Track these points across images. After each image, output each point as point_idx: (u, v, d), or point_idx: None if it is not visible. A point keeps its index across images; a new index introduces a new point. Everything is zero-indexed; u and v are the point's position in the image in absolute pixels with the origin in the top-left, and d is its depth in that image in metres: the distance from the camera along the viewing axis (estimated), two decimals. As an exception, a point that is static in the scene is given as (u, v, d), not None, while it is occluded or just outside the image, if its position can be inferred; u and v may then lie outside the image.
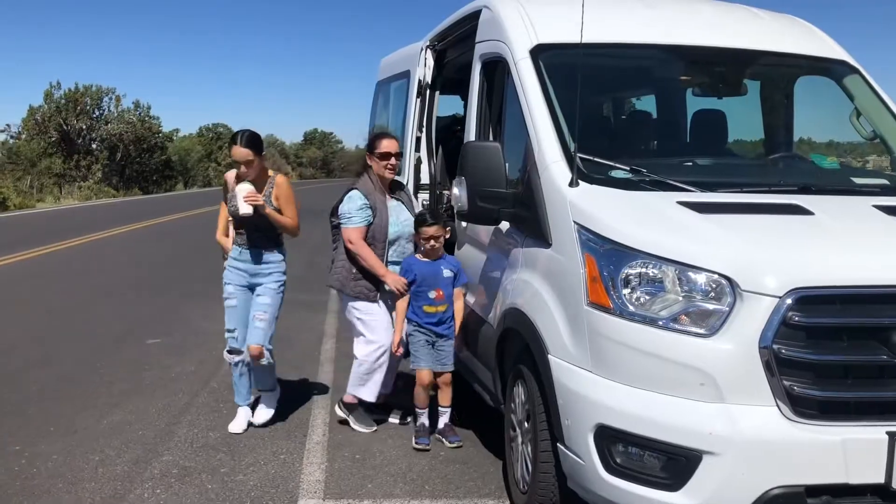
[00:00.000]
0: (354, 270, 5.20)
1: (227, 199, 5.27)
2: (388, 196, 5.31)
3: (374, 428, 5.37)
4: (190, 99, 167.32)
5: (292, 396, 6.06)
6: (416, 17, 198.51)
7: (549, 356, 3.58)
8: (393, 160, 5.28)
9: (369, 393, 5.32)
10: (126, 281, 11.84)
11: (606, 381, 3.27)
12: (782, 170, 4.68)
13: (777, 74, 5.26)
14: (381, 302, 5.25)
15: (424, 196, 6.62)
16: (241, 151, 5.02)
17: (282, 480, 4.54)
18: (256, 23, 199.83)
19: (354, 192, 5.21)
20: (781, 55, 4.90)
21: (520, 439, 4.11)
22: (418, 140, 6.64)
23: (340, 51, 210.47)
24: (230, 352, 5.47)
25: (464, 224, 5.04)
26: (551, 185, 3.81)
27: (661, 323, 3.18)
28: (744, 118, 5.36)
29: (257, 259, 5.30)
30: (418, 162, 6.61)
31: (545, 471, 3.70)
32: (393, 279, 5.08)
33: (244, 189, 5.01)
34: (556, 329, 3.58)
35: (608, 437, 3.24)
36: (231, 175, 5.24)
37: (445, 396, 5.14)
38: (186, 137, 68.90)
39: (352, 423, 5.38)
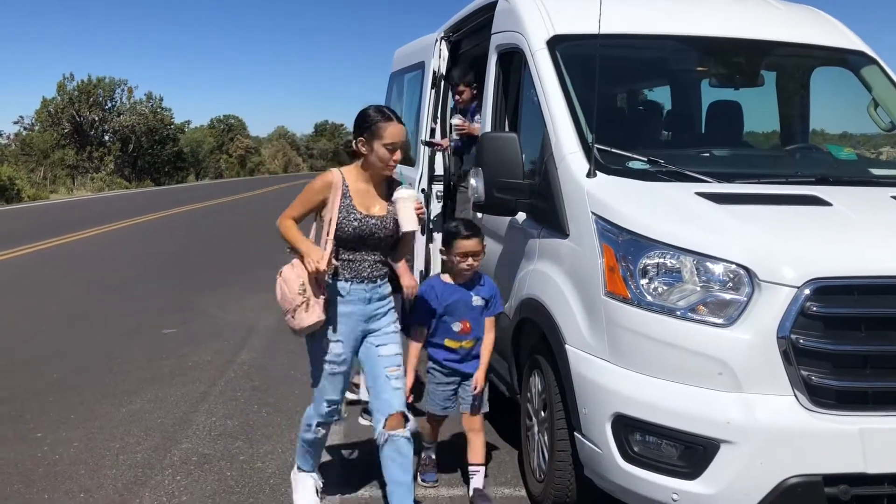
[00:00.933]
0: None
1: (340, 210, 3.68)
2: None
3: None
4: (201, 91, 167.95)
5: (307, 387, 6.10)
6: (426, 9, 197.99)
7: (567, 346, 3.60)
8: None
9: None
10: (140, 271, 11.93)
11: (624, 370, 3.30)
12: (799, 161, 4.68)
13: (793, 65, 5.25)
14: None
15: (438, 188, 6.65)
16: (399, 130, 3.63)
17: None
18: (267, 14, 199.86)
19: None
20: (798, 46, 4.89)
21: (536, 429, 4.14)
22: (433, 131, 6.67)
23: (351, 42, 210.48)
24: (322, 424, 3.98)
25: (479, 215, 5.06)
26: (568, 176, 3.83)
27: (678, 313, 3.19)
28: (760, 109, 5.35)
29: (374, 295, 3.79)
30: (433, 153, 6.63)
31: (562, 459, 3.73)
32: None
33: (410, 198, 3.66)
34: (574, 319, 3.60)
35: (626, 426, 3.26)
36: (336, 177, 3.74)
37: (476, 451, 4.22)
38: (198, 129, 69.18)
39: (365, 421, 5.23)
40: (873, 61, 4.88)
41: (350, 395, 5.42)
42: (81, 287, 10.53)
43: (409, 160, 7.15)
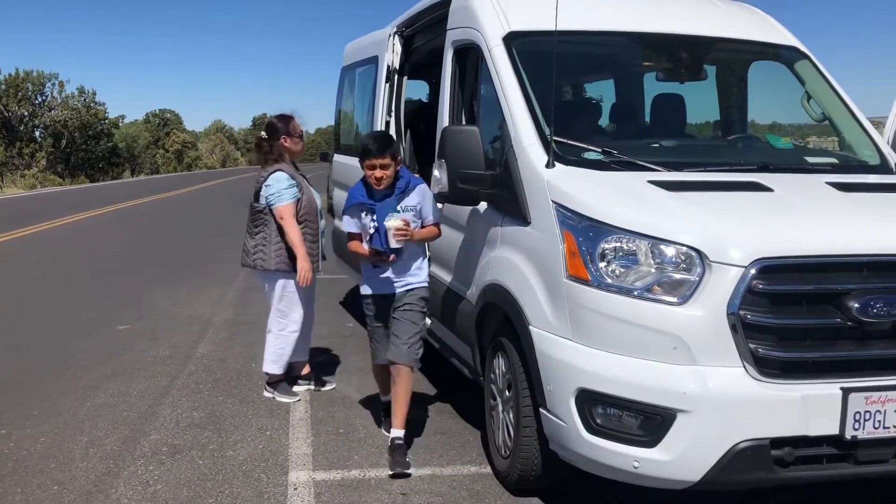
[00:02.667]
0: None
1: None
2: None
3: (298, 398, 5.69)
4: (135, 85, 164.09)
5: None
6: (366, 3, 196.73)
7: (531, 327, 3.80)
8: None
9: (279, 367, 5.70)
10: (88, 268, 11.78)
11: (586, 347, 3.51)
12: (741, 150, 4.98)
13: (732, 60, 5.55)
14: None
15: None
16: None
17: (271, 454, 4.71)
18: (201, 6, 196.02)
19: (279, 173, 5.45)
20: (737, 41, 5.18)
21: (500, 408, 4.34)
22: (387, 124, 6.80)
23: (288, 34, 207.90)
24: None
25: (439, 205, 5.22)
26: (529, 167, 4.03)
27: (636, 293, 3.42)
28: (701, 101, 5.65)
29: None
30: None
31: (528, 435, 3.94)
32: (306, 266, 5.41)
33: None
34: (537, 301, 3.81)
35: (589, 400, 3.47)
36: None
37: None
38: (133, 124, 67.66)
39: (277, 398, 5.67)
40: (805, 56, 5.19)
41: (266, 394, 5.77)
42: (27, 285, 10.36)
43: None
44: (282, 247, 5.48)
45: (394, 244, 4.38)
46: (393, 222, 4.35)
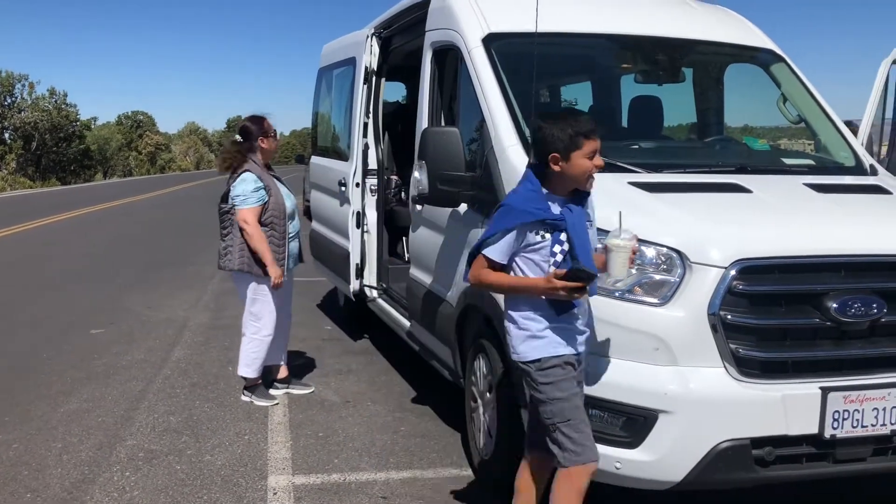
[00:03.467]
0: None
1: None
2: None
3: (276, 401, 5.66)
4: (108, 86, 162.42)
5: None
6: (341, 4, 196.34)
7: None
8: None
9: (255, 371, 5.67)
10: (62, 272, 11.62)
11: (568, 349, 3.50)
12: (720, 151, 5.02)
13: (709, 62, 5.60)
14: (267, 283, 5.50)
15: (372, 181, 6.77)
16: None
17: (249, 459, 4.66)
18: (174, 6, 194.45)
19: (247, 174, 5.42)
20: (714, 44, 5.21)
21: (481, 410, 4.32)
22: (366, 126, 6.77)
23: (263, 36, 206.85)
24: None
25: (419, 207, 5.21)
26: (509, 168, 4.02)
27: (616, 294, 3.42)
28: (679, 103, 5.68)
29: None
30: (366, 147, 6.75)
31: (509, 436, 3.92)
32: (276, 272, 5.37)
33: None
34: (518, 303, 3.79)
35: (570, 402, 3.46)
36: None
37: None
38: (105, 126, 66.93)
39: (255, 401, 5.64)
40: (781, 59, 5.24)
41: (244, 398, 5.73)
42: (2, 288, 10.18)
43: (342, 154, 7.25)
44: (244, 249, 5.45)
45: (623, 272, 3.11)
46: (625, 242, 3.07)
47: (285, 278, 5.53)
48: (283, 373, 5.95)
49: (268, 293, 5.53)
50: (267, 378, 5.83)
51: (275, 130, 5.69)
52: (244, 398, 5.71)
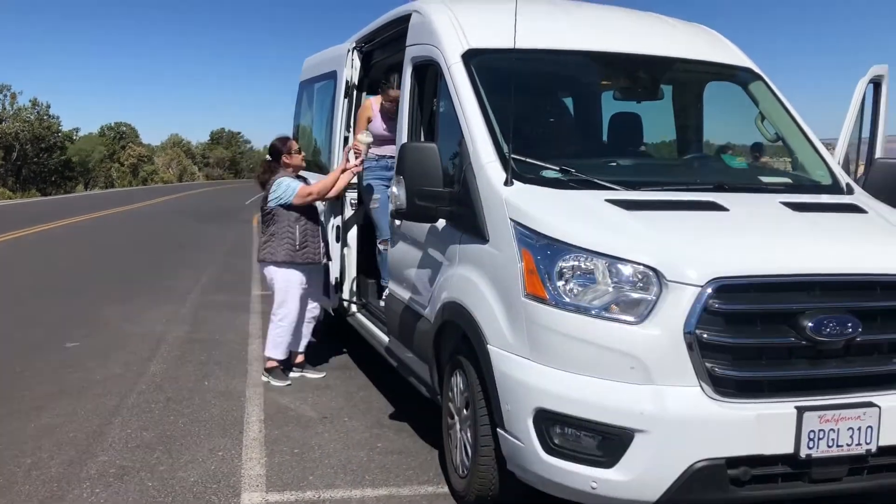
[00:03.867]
0: (298, 242, 6.19)
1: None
2: None
3: (289, 382, 6.40)
4: (90, 97, 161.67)
5: (224, 395, 6.10)
6: (323, 19, 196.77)
7: (489, 346, 3.77)
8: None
9: (281, 353, 6.40)
10: (38, 284, 11.48)
11: (544, 367, 3.49)
12: (697, 169, 5.03)
13: (689, 80, 5.61)
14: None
15: (353, 194, 6.75)
16: None
17: (223, 476, 4.60)
18: (158, 18, 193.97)
19: (280, 179, 6.23)
20: (692, 62, 5.23)
21: (458, 427, 4.29)
22: (346, 140, 6.76)
23: (247, 49, 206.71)
24: None
25: (397, 222, 5.18)
26: (487, 185, 4.01)
27: (593, 312, 3.41)
28: (658, 121, 5.71)
29: None
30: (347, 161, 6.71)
31: (485, 454, 3.89)
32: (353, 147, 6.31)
33: None
34: (495, 320, 3.77)
35: (546, 420, 3.45)
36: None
37: None
38: (87, 137, 66.50)
39: (272, 382, 6.36)
40: (759, 77, 5.27)
41: (263, 378, 6.46)
42: (-27, 301, 10.05)
43: (322, 168, 7.22)
44: (284, 242, 6.17)
45: None
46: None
47: (314, 271, 6.44)
48: (299, 359, 6.66)
49: (292, 283, 6.25)
50: (287, 362, 6.54)
51: (298, 147, 6.48)
52: (262, 378, 6.43)
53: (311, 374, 6.63)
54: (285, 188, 6.16)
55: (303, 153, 6.52)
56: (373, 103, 6.46)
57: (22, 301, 10.12)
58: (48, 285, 11.41)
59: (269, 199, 6.25)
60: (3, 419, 5.53)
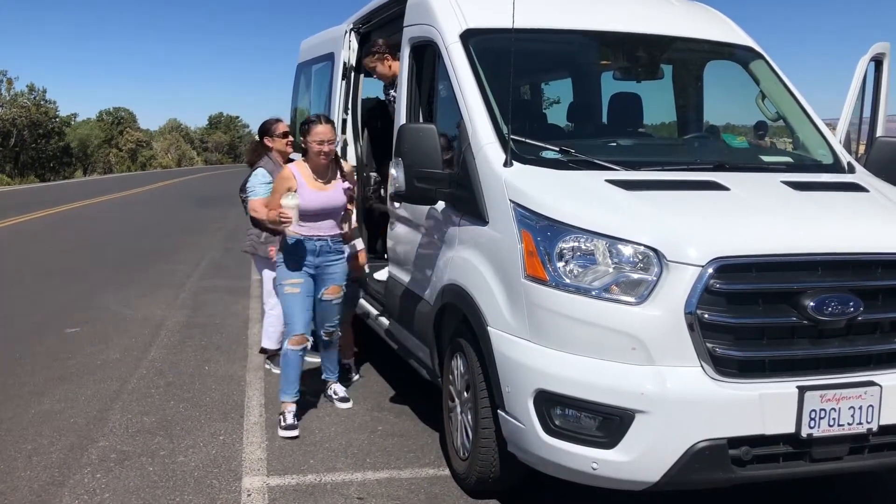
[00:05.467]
0: (263, 236, 5.97)
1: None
2: None
3: None
4: (88, 82, 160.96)
5: (225, 379, 6.10)
6: (319, 2, 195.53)
7: (489, 328, 3.76)
8: (290, 137, 6.17)
9: (274, 342, 6.21)
10: (38, 269, 11.46)
11: (544, 348, 3.47)
12: (698, 149, 5.00)
13: (689, 59, 5.57)
14: None
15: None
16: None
17: (224, 460, 4.60)
18: (157, 2, 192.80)
19: (259, 170, 5.90)
20: (693, 41, 5.19)
21: (459, 409, 4.28)
22: (344, 122, 6.72)
23: (245, 32, 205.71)
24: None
25: (396, 204, 5.16)
26: (486, 166, 3.98)
27: (594, 293, 3.39)
28: (658, 100, 5.66)
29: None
30: (345, 144, 6.69)
31: (486, 437, 3.89)
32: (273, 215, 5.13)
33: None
34: (495, 302, 3.76)
35: (547, 401, 3.44)
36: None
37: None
38: (85, 122, 66.30)
39: (273, 370, 6.16)
40: (760, 56, 5.23)
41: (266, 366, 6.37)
42: (-28, 288, 10.04)
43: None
44: (251, 233, 6.08)
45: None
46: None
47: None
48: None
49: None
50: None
51: (285, 132, 6.14)
52: (266, 366, 6.34)
53: (311, 358, 5.85)
54: (253, 187, 5.80)
55: (290, 138, 6.16)
56: (296, 172, 5.01)
57: (21, 287, 10.10)
58: (47, 271, 11.39)
59: (244, 188, 5.98)
60: (2, 405, 5.53)
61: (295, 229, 4.88)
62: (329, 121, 5.11)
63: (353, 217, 5.51)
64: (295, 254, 5.03)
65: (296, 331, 5.05)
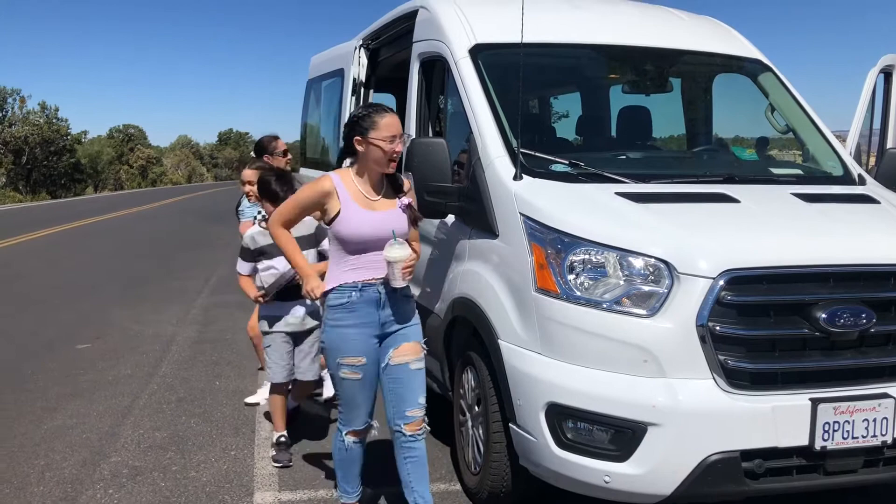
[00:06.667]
0: None
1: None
2: None
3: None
4: (98, 100, 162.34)
5: (236, 394, 6.10)
6: (331, 18, 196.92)
7: (500, 341, 3.76)
8: (289, 156, 6.04)
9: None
10: (49, 286, 11.52)
11: (556, 361, 3.47)
12: (707, 161, 5.00)
13: (697, 72, 5.59)
14: None
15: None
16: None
17: (235, 475, 4.60)
18: (166, 20, 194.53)
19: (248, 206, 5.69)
20: (701, 54, 5.20)
21: (470, 423, 4.27)
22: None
23: (255, 49, 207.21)
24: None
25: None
26: (496, 179, 3.99)
27: (605, 305, 3.39)
28: (666, 113, 5.68)
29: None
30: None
31: (497, 451, 3.88)
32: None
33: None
34: (506, 315, 3.76)
35: (559, 414, 3.43)
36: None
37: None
38: (96, 139, 66.77)
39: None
40: (768, 68, 5.24)
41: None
42: (-16, 304, 10.10)
43: (331, 166, 7.21)
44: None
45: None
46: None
47: None
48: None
49: None
50: None
51: (284, 150, 6.03)
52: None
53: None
54: (244, 209, 5.69)
55: (289, 157, 6.02)
56: (339, 185, 3.58)
57: (33, 303, 10.16)
58: (58, 287, 11.44)
59: (238, 210, 5.85)
60: (15, 421, 5.55)
61: (344, 277, 3.57)
62: (394, 111, 3.61)
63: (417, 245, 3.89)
64: (351, 312, 3.58)
65: (357, 425, 3.78)
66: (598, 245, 3.45)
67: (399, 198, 3.65)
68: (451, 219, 4.46)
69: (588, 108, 5.75)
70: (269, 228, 3.91)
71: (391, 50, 6.49)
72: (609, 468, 3.33)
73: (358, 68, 6.78)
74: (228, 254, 14.75)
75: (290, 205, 3.70)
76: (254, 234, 4.79)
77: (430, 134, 5.09)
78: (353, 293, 3.57)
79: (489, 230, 4.00)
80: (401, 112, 6.92)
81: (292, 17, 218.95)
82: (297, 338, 4.87)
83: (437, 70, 5.02)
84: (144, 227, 23.07)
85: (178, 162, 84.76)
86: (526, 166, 3.96)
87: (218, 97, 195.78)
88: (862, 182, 4.51)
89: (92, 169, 59.29)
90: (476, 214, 4.14)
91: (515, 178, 3.90)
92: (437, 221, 4.62)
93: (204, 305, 9.89)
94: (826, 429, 3.27)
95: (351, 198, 3.54)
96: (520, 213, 3.75)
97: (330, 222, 3.57)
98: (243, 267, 4.87)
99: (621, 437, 3.31)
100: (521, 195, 3.81)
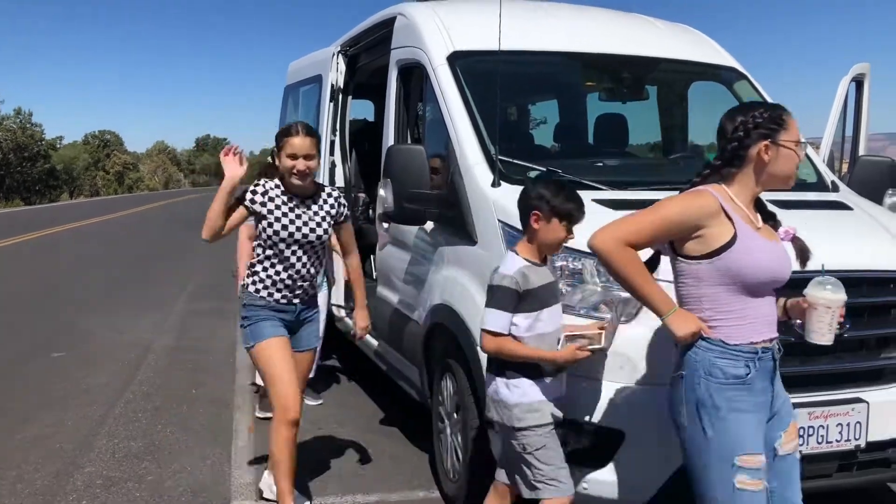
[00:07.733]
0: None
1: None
2: None
3: (321, 401, 5.98)
4: (73, 105, 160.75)
5: (213, 402, 6.06)
6: (309, 23, 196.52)
7: (479, 348, 3.74)
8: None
9: None
10: (22, 294, 11.38)
11: (534, 368, 3.46)
12: (683, 168, 5.03)
13: (673, 80, 5.63)
14: None
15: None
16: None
17: (212, 484, 4.56)
18: (142, 24, 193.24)
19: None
20: (677, 62, 5.25)
21: (448, 430, 4.27)
22: (332, 144, 6.74)
23: (232, 54, 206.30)
24: None
25: (385, 224, 5.16)
26: (474, 186, 4.00)
27: (582, 311, 3.40)
28: (643, 121, 5.72)
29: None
30: (332, 166, 6.71)
31: (476, 458, 3.87)
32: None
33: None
34: (484, 322, 3.75)
35: (537, 422, 3.42)
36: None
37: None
38: (71, 145, 66.09)
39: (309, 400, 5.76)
40: (743, 76, 5.29)
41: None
42: (-45, 312, 9.95)
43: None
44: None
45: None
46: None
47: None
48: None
49: None
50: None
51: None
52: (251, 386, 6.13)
53: (311, 401, 5.80)
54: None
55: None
56: (727, 207, 2.84)
57: (6, 311, 10.02)
58: (32, 295, 11.31)
59: None
60: (-12, 431, 5.47)
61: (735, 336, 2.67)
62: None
63: None
64: (748, 389, 2.66)
65: None
66: (576, 252, 3.46)
67: (771, 223, 2.87)
68: (430, 225, 4.46)
69: (565, 116, 5.78)
70: (597, 248, 2.79)
71: (369, 56, 6.49)
72: (587, 475, 3.33)
73: (336, 74, 6.77)
74: (206, 261, 14.66)
75: (647, 220, 2.79)
76: (522, 268, 3.16)
77: (409, 141, 5.09)
78: (754, 362, 2.67)
79: (468, 237, 4.00)
80: (379, 119, 6.96)
81: (270, 22, 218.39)
82: None
83: (415, 77, 5.03)
84: (121, 234, 22.86)
85: (154, 168, 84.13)
86: (504, 173, 3.97)
87: (196, 103, 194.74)
88: (835, 189, 4.56)
89: (67, 175, 58.67)
90: (454, 221, 4.14)
91: (493, 184, 3.91)
92: (415, 228, 4.62)
93: (181, 313, 9.81)
94: (800, 434, 3.29)
95: (742, 220, 2.75)
96: (498, 220, 3.75)
97: (709, 254, 2.70)
98: (498, 321, 3.14)
99: (599, 443, 3.32)
100: (498, 202, 3.81)
